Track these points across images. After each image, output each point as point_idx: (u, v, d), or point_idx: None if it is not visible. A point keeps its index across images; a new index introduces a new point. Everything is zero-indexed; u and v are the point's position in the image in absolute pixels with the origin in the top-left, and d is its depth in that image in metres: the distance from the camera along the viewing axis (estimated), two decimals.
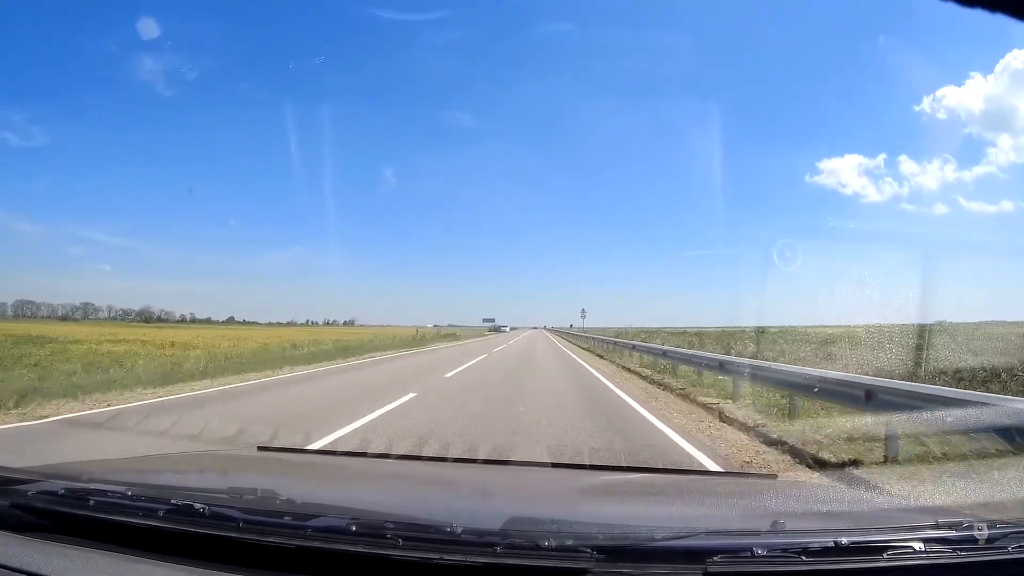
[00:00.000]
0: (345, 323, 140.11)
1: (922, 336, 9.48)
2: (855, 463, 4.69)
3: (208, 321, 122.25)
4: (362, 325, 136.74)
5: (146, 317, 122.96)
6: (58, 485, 1.27)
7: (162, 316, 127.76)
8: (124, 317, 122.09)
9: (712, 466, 4.79)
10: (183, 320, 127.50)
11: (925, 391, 4.92)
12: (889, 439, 4.85)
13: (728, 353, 13.07)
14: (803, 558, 1.01)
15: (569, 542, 1.02)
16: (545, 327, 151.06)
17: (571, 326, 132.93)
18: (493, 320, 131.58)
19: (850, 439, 5.22)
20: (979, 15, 0.82)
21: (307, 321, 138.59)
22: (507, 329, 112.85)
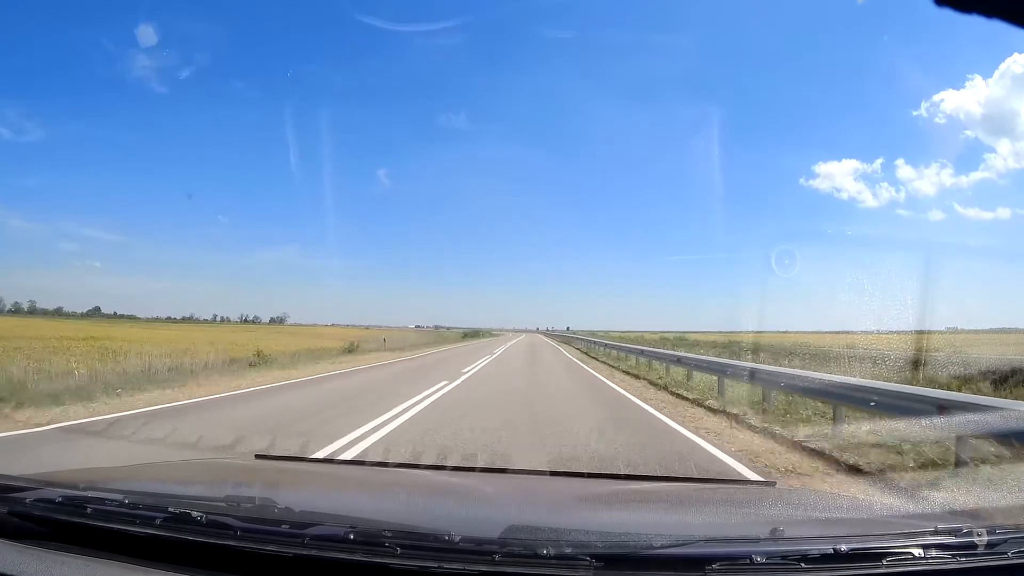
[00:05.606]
0: (273, 320, 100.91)
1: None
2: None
3: (59, 312, 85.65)
4: (299, 324, 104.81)
5: None
6: (56, 493, 1.26)
7: None
8: None
9: None
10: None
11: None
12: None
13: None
14: (802, 565, 1.01)
15: (568, 550, 1.02)
16: (538, 329, 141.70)
17: (568, 328, 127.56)
18: None
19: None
20: (978, 19, 0.83)
21: (215, 317, 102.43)
22: None
